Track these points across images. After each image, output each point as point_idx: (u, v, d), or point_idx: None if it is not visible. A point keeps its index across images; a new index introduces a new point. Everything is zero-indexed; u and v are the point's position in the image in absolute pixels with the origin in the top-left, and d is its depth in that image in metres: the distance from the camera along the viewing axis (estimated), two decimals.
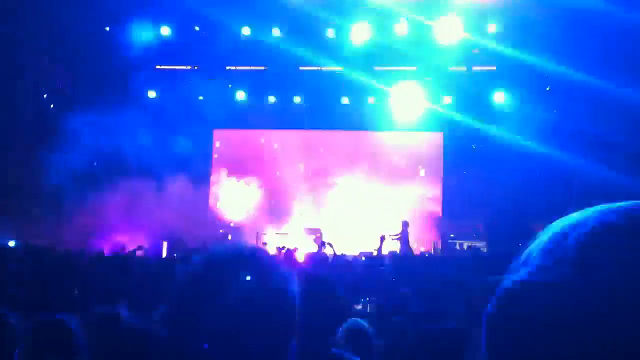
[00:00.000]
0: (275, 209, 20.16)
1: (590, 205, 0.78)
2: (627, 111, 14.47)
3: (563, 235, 0.77)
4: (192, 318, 1.42)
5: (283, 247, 13.89)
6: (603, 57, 14.80)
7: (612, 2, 13.73)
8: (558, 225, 0.81)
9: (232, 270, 1.46)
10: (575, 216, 0.80)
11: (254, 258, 1.53)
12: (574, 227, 0.77)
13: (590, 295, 0.70)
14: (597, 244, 0.73)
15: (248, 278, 1.45)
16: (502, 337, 0.77)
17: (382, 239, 14.32)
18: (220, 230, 18.37)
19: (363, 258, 13.58)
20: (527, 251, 0.81)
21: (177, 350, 1.46)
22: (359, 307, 7.55)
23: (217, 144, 21.37)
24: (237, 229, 18.73)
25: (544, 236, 0.80)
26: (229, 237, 18.24)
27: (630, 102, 14.04)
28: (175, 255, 14.91)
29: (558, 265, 0.73)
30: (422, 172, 19.96)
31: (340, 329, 3.91)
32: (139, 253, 13.05)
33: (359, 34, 17.51)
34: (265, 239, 18.09)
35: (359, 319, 4.26)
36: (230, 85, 19.99)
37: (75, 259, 10.84)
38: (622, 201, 0.79)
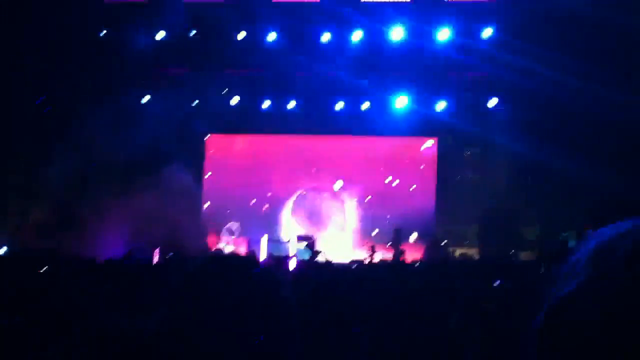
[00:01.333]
0: (268, 216, 20.15)
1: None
2: (622, 117, 14.50)
3: (610, 245, 0.77)
4: (186, 323, 1.43)
5: (277, 255, 13.89)
6: (597, 61, 14.84)
7: (607, 8, 13.77)
8: (601, 235, 0.80)
9: (225, 277, 1.48)
10: (616, 227, 0.79)
11: (247, 265, 1.55)
12: (622, 237, 0.76)
13: (635, 306, 0.70)
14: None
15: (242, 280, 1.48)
16: (556, 351, 0.76)
17: (374, 247, 14.36)
18: (215, 236, 18.31)
19: (354, 266, 13.60)
20: (570, 261, 0.80)
21: (172, 353, 1.47)
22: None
23: (211, 149, 21.34)
24: (229, 235, 18.69)
25: (588, 246, 0.79)
26: (230, 240, 18.12)
27: (625, 108, 14.08)
28: (166, 260, 14.89)
29: (608, 276, 0.74)
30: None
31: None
32: (130, 258, 13.01)
33: (354, 38, 17.52)
34: (258, 245, 18.06)
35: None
36: (224, 90, 19.97)
37: (68, 265, 10.84)
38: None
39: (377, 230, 18.55)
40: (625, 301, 0.71)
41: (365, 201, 19.75)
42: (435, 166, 19.97)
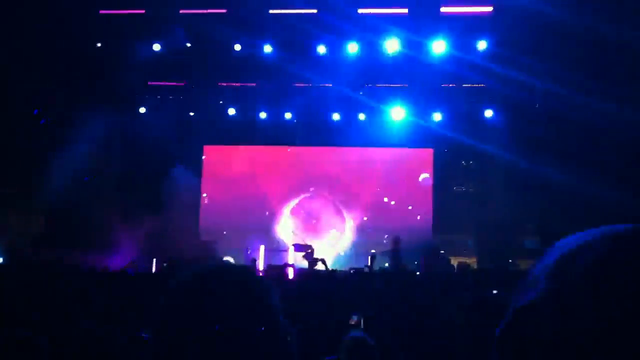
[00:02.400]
0: (266, 224, 20.17)
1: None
2: (617, 128, 14.55)
3: (571, 257, 0.76)
4: (178, 334, 1.42)
5: (275, 264, 13.86)
6: (592, 73, 14.90)
7: (603, 20, 13.84)
8: (564, 246, 0.79)
9: (218, 287, 1.47)
10: (581, 237, 0.78)
11: (240, 275, 1.53)
12: (582, 249, 0.76)
13: (598, 320, 0.69)
14: (605, 268, 0.73)
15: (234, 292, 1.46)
16: (511, 358, 0.75)
17: (373, 256, 14.33)
18: (210, 248, 18.25)
19: (352, 271, 13.60)
20: (533, 271, 0.79)
21: None
22: (352, 322, 7.53)
23: (208, 160, 21.37)
24: (226, 245, 18.63)
25: (550, 257, 0.78)
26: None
27: (620, 119, 14.13)
28: (163, 268, 14.88)
29: (566, 289, 0.73)
30: (422, 177, 19.95)
31: (343, 341, 3.94)
32: (130, 269, 13.01)
33: (350, 50, 17.58)
34: (255, 255, 18.05)
35: (359, 331, 4.28)
36: (221, 102, 20.02)
37: (66, 275, 10.80)
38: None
39: (376, 238, 18.55)
40: (581, 315, 0.71)
41: (365, 219, 19.77)
42: (431, 176, 20.04)
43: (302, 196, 20.50)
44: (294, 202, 20.53)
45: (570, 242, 0.79)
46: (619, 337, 0.69)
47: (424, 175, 19.75)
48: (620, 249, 0.74)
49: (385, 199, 19.95)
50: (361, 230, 19.89)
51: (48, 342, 3.57)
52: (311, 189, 20.45)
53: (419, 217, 19.77)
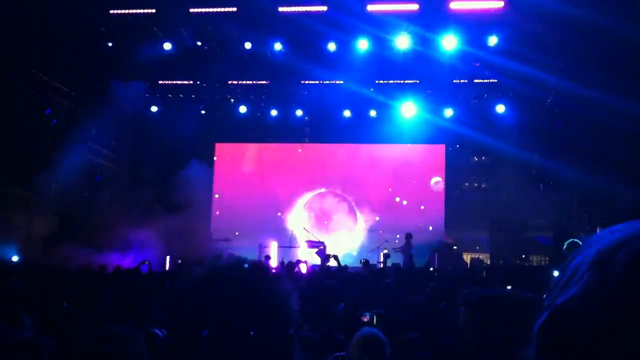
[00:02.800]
0: (279, 222, 20.20)
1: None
2: (627, 123, 14.46)
3: (611, 251, 0.75)
4: (192, 328, 1.43)
5: (288, 261, 13.84)
6: (603, 69, 14.81)
7: (615, 16, 13.74)
8: (602, 240, 0.77)
9: (233, 283, 1.47)
10: (619, 230, 0.77)
11: (255, 271, 1.54)
12: (622, 242, 0.75)
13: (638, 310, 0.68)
14: None
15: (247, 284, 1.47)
16: (553, 356, 0.74)
17: (387, 254, 14.34)
18: (223, 245, 18.29)
19: (363, 261, 13.58)
20: (570, 266, 0.78)
21: (179, 354, 1.47)
22: (366, 319, 7.51)
23: (219, 158, 21.42)
24: (239, 243, 18.66)
25: (588, 251, 0.77)
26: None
27: (630, 115, 14.04)
28: (177, 266, 14.92)
29: (608, 284, 0.72)
30: (434, 181, 19.88)
31: (354, 337, 3.93)
32: (143, 266, 13.04)
33: (360, 47, 17.53)
34: (268, 252, 18.07)
35: (372, 328, 4.27)
36: (232, 100, 20.05)
37: (78, 275, 10.84)
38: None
39: (388, 235, 18.52)
40: (624, 310, 0.70)
41: (377, 219, 19.76)
42: (443, 172, 20.01)
43: (316, 191, 20.52)
44: (306, 199, 20.54)
45: (608, 235, 0.77)
46: None
47: (436, 179, 19.68)
48: None
49: (397, 199, 19.91)
50: (373, 227, 19.88)
51: (56, 342, 3.57)
52: (324, 188, 20.47)
53: (431, 214, 19.73)
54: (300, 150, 20.94)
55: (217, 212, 20.78)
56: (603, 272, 0.73)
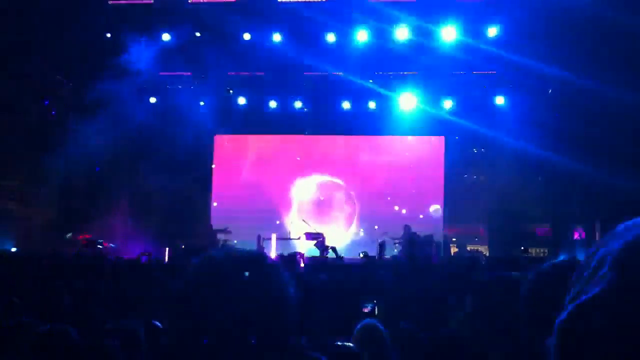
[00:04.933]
0: (277, 213, 20.21)
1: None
2: (628, 114, 14.43)
3: (636, 250, 0.73)
4: (193, 318, 1.43)
5: (286, 253, 13.86)
6: (604, 59, 14.78)
7: (617, 6, 13.71)
8: (629, 235, 0.75)
9: (233, 272, 1.47)
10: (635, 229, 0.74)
11: (255, 261, 1.54)
12: None
13: None
14: None
15: (247, 274, 1.47)
16: (579, 354, 0.72)
17: (384, 244, 14.33)
18: (222, 237, 18.29)
19: (361, 255, 13.60)
20: (593, 259, 0.75)
21: (179, 348, 1.46)
22: (366, 310, 7.54)
23: (218, 150, 21.41)
24: (238, 234, 18.67)
25: (613, 245, 0.75)
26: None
27: (631, 105, 14.02)
28: (176, 257, 14.95)
29: (631, 286, 0.70)
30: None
31: (355, 329, 3.94)
32: (142, 257, 13.08)
33: (360, 38, 17.49)
34: (267, 244, 18.08)
35: (372, 319, 4.28)
36: (230, 91, 20.01)
37: (77, 266, 10.84)
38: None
39: (387, 227, 18.52)
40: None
41: (375, 228, 19.70)
42: (442, 164, 20.00)
43: (315, 181, 20.53)
44: (305, 189, 20.55)
45: (634, 229, 0.75)
46: None
47: (435, 207, 19.59)
48: None
49: (396, 207, 19.80)
50: (370, 218, 19.89)
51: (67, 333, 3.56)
52: (324, 176, 20.47)
53: (429, 205, 19.73)
54: (299, 141, 20.94)
55: (216, 204, 20.79)
56: (627, 273, 0.71)
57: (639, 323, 0.68)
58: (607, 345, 0.70)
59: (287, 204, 20.48)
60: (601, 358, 0.71)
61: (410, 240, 16.32)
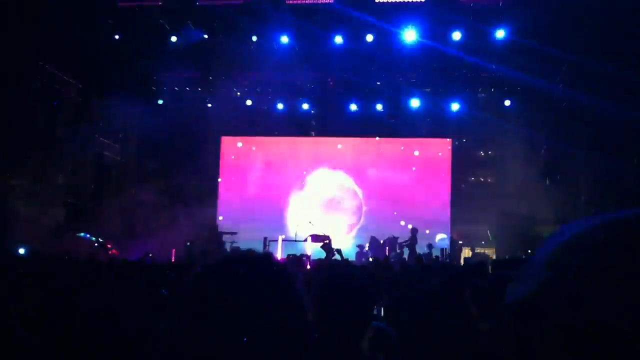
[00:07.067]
0: (284, 215, 20.22)
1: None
2: (637, 115, 14.39)
3: (571, 245, 0.74)
4: (202, 319, 1.44)
5: (293, 255, 13.86)
6: (612, 62, 14.74)
7: (625, 7, 13.67)
8: (564, 233, 0.76)
9: (242, 273, 1.48)
10: (580, 224, 0.75)
11: (263, 262, 1.55)
12: (582, 236, 0.74)
13: (598, 311, 0.67)
14: (605, 255, 0.70)
15: (255, 275, 1.48)
16: (515, 348, 0.74)
17: (391, 245, 14.32)
18: (228, 238, 18.30)
19: (370, 258, 13.56)
20: (533, 259, 0.77)
21: (188, 347, 1.47)
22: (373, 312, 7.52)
23: (225, 151, 21.44)
24: (244, 237, 18.70)
25: (550, 245, 0.76)
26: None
27: (637, 106, 13.98)
28: (182, 258, 14.96)
29: (566, 278, 0.71)
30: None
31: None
32: (147, 258, 13.08)
33: (367, 41, 17.47)
34: (273, 246, 18.08)
35: (379, 323, 4.26)
36: (238, 93, 20.04)
37: (84, 267, 10.86)
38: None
39: (394, 229, 18.52)
40: (582, 305, 0.68)
41: (383, 213, 19.69)
42: (450, 166, 19.98)
43: (322, 181, 20.54)
44: (312, 189, 20.55)
45: (571, 229, 0.76)
46: (620, 328, 0.66)
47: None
48: (621, 235, 0.71)
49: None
50: (377, 220, 19.86)
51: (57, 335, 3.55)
52: (331, 175, 20.49)
53: (437, 208, 19.70)
54: (306, 142, 20.92)
55: (223, 206, 20.81)
56: (559, 268, 0.72)
57: (571, 321, 0.68)
58: (538, 343, 0.71)
59: (293, 206, 20.49)
60: (534, 356, 0.71)
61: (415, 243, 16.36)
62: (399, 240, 17.49)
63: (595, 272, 0.70)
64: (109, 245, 13.35)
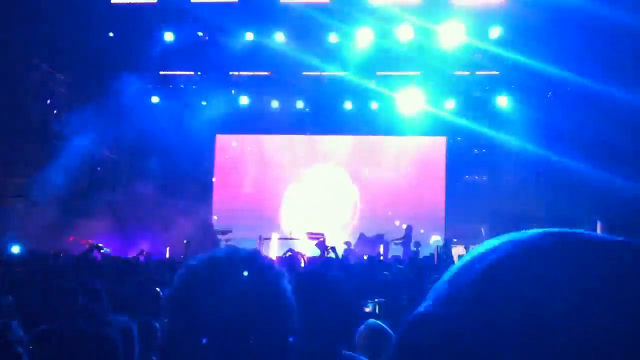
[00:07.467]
0: (279, 213, 20.21)
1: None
2: (629, 115, 14.43)
3: (470, 265, 0.70)
4: (190, 316, 1.43)
5: (287, 252, 13.85)
6: (605, 60, 14.77)
7: (614, 6, 13.69)
8: (472, 252, 0.74)
9: (229, 270, 1.48)
10: (489, 244, 0.73)
11: (250, 259, 1.54)
12: (481, 257, 0.71)
13: (477, 332, 0.64)
14: (492, 279, 0.66)
15: (245, 274, 1.48)
16: None
17: (386, 244, 14.33)
18: (223, 236, 18.28)
19: (365, 256, 13.57)
20: (449, 271, 0.75)
21: (176, 346, 1.47)
22: (368, 309, 7.53)
23: (220, 149, 21.42)
24: (239, 234, 18.70)
25: (458, 264, 0.74)
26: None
27: (631, 106, 14.01)
28: (176, 256, 14.96)
29: (455, 298, 0.68)
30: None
31: (359, 330, 3.89)
32: (142, 257, 13.08)
33: (362, 38, 17.46)
34: (268, 243, 18.07)
35: (376, 320, 4.23)
36: (233, 91, 20.02)
37: (77, 265, 10.85)
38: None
39: (389, 227, 18.54)
40: (463, 326, 0.65)
41: (377, 211, 19.69)
42: (444, 165, 20.00)
43: (315, 179, 20.54)
44: (306, 187, 20.55)
45: (480, 248, 0.74)
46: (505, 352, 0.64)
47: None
48: (513, 257, 0.69)
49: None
50: (372, 218, 19.87)
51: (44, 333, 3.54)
52: (326, 169, 20.50)
53: (431, 206, 19.72)
54: (301, 140, 20.91)
55: (218, 204, 20.80)
56: (455, 285, 0.69)
57: (457, 340, 0.66)
58: None
59: (288, 204, 20.48)
60: None
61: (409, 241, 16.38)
62: (392, 238, 17.49)
63: (480, 293, 0.66)
64: (100, 245, 13.32)
